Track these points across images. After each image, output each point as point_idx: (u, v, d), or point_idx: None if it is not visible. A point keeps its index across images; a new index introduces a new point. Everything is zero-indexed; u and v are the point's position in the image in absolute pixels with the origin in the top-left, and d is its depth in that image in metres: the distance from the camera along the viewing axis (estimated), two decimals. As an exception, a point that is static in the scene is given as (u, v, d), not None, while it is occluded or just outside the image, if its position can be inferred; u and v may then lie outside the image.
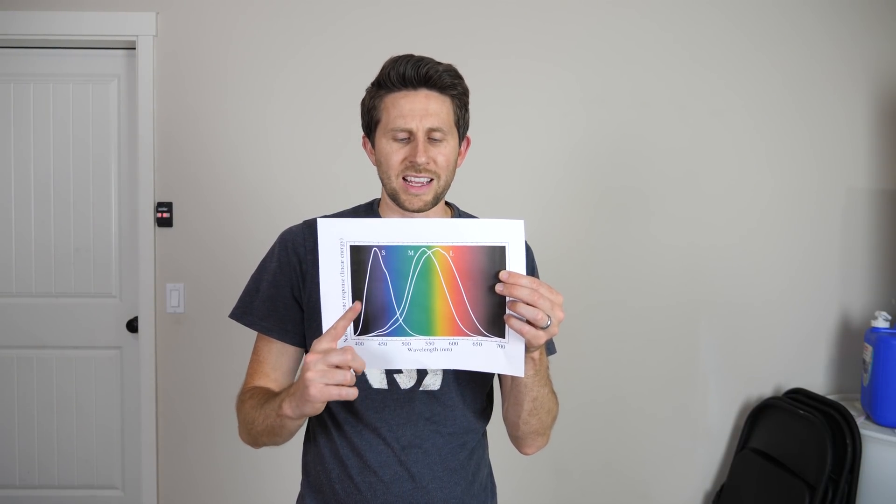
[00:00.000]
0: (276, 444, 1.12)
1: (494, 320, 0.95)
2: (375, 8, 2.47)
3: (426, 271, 0.94)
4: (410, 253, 0.94)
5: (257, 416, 1.09)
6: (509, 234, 0.93)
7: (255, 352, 1.20)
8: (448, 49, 2.42)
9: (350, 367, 0.92)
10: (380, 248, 0.95)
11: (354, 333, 0.98)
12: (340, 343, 0.98)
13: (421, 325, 0.97)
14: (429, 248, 0.94)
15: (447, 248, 0.93)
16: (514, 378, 1.06)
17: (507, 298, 0.93)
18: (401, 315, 0.96)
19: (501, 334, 0.96)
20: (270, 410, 1.05)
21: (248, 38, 2.47)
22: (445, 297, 0.95)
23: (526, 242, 1.26)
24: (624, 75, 2.50)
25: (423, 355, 0.98)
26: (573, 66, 2.49)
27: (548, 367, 1.10)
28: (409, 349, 0.98)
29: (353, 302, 0.96)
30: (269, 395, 1.10)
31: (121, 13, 2.45)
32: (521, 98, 2.49)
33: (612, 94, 2.50)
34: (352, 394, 0.92)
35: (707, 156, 2.52)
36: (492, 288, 0.93)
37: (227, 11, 2.47)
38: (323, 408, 0.96)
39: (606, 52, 2.50)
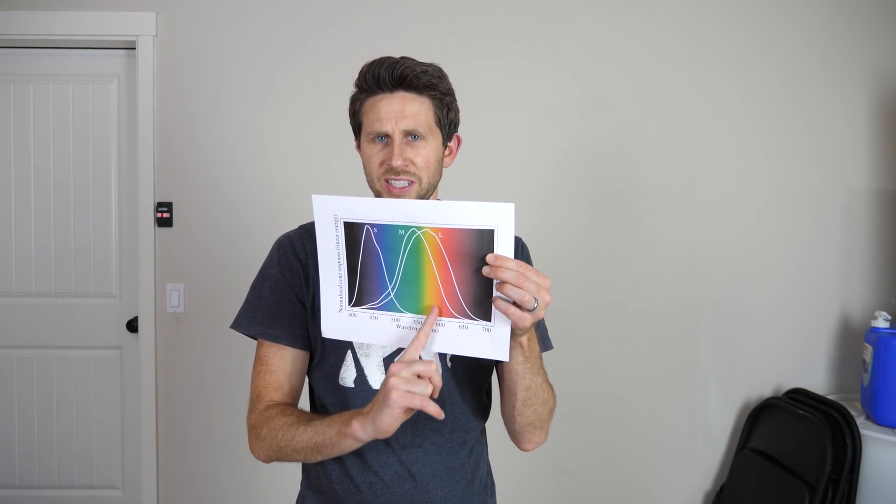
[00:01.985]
0: (307, 461, 1.08)
1: (481, 303, 0.95)
2: (375, 9, 2.47)
3: (416, 251, 0.96)
4: (401, 232, 0.96)
5: (298, 433, 1.04)
6: (499, 218, 0.93)
7: (263, 362, 1.15)
8: (447, 49, 2.43)
9: (431, 379, 0.93)
10: (372, 226, 0.97)
11: (349, 304, 1.01)
12: (335, 311, 1.01)
13: (411, 301, 0.99)
14: (418, 228, 0.95)
15: (436, 230, 0.94)
16: (506, 367, 1.05)
17: (495, 281, 0.93)
18: (392, 290, 0.99)
19: (487, 317, 0.96)
20: (327, 428, 1.01)
21: (249, 38, 2.47)
22: (434, 277, 0.96)
23: (521, 239, 1.26)
24: (623, 75, 2.50)
25: (410, 334, 0.99)
26: (572, 66, 2.49)
27: (540, 357, 1.09)
28: (398, 325, 1.00)
29: (347, 272, 1.00)
30: (307, 415, 1.08)
31: (121, 13, 2.45)
32: (521, 98, 2.49)
33: (612, 95, 2.50)
34: (432, 408, 0.92)
35: (706, 155, 2.52)
36: (479, 271, 0.94)
37: (227, 11, 2.47)
38: (397, 427, 0.94)
39: (605, 53, 2.50)
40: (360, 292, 1.01)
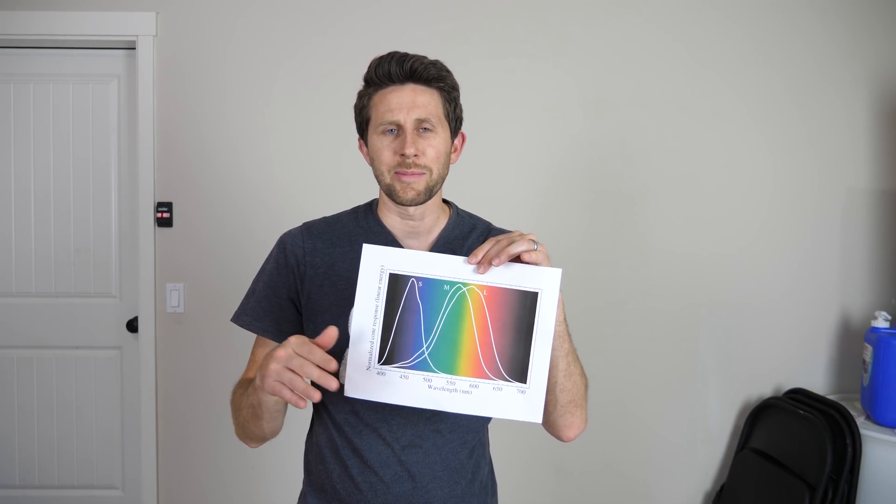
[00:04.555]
0: (263, 430, 1.11)
1: (518, 365, 0.97)
2: (376, 9, 2.47)
3: (458, 308, 0.97)
4: (446, 288, 0.97)
5: (242, 402, 1.11)
6: (545, 281, 0.96)
7: (253, 352, 1.22)
8: (448, 49, 2.41)
9: (302, 376, 0.92)
10: (417, 279, 0.98)
11: (378, 362, 0.99)
12: (362, 369, 0.99)
13: (445, 361, 0.98)
14: (464, 284, 0.97)
15: (482, 287, 0.97)
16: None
17: (533, 342, 0.96)
18: (427, 349, 0.98)
19: (523, 380, 0.98)
20: (250, 390, 1.07)
21: (249, 37, 2.47)
22: (473, 335, 0.98)
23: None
24: (623, 76, 2.50)
25: (442, 395, 0.98)
26: (572, 66, 2.49)
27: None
28: (430, 386, 0.98)
29: (382, 328, 0.98)
30: (251, 381, 1.12)
31: (121, 13, 2.45)
32: (521, 98, 2.49)
33: (612, 95, 2.50)
34: (298, 401, 0.92)
35: (707, 156, 2.52)
36: (519, 332, 0.97)
37: (227, 11, 2.47)
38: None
39: (606, 53, 2.50)
40: (393, 350, 0.99)
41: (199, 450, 2.52)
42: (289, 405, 1.16)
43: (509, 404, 0.98)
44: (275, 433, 1.15)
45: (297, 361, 0.91)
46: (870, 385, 2.24)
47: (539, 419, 0.98)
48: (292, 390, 0.92)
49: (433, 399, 0.99)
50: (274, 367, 0.92)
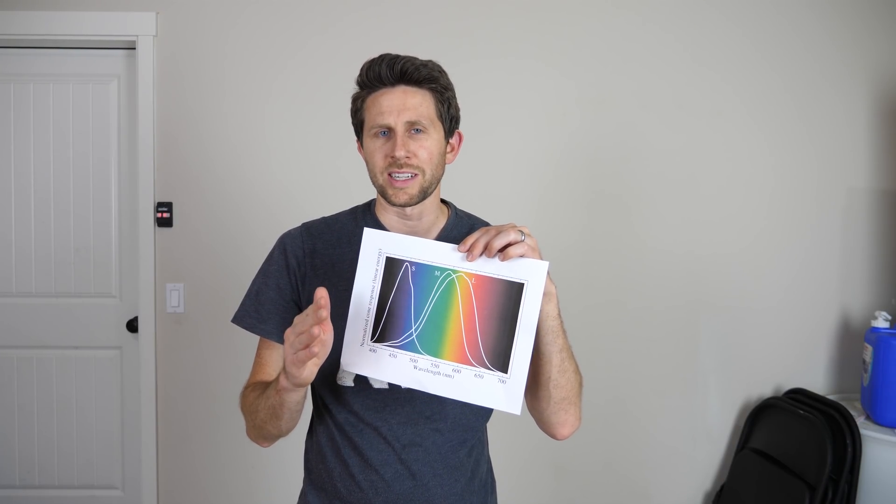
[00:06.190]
0: (280, 429, 1.12)
1: (500, 354, 1.00)
2: (375, 9, 2.47)
3: (447, 293, 1.01)
4: (437, 273, 1.02)
5: (260, 403, 1.11)
6: (531, 273, 0.98)
7: (258, 354, 1.22)
8: (447, 49, 2.43)
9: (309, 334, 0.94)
10: (411, 263, 1.02)
11: (371, 340, 1.04)
12: (357, 344, 1.05)
13: (431, 344, 1.02)
14: (454, 271, 1.01)
15: (471, 275, 1.00)
16: (543, 330, 1.04)
17: (516, 333, 0.98)
18: (415, 331, 1.02)
19: (504, 369, 1.00)
20: (271, 391, 1.08)
21: (249, 37, 2.47)
22: (459, 321, 1.01)
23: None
24: (623, 76, 2.50)
25: (425, 376, 1.02)
26: (572, 66, 2.50)
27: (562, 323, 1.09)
28: (415, 367, 1.03)
29: (377, 308, 1.04)
30: (268, 383, 1.13)
31: (121, 13, 2.45)
32: (520, 98, 2.49)
33: (612, 95, 2.50)
34: (316, 349, 0.93)
35: (706, 156, 2.52)
36: (503, 321, 0.99)
37: (227, 11, 2.47)
38: (312, 377, 0.98)
39: (605, 53, 2.50)
40: (385, 329, 1.04)
41: (199, 450, 2.52)
42: (306, 404, 1.17)
43: (489, 392, 1.00)
44: (290, 430, 1.15)
45: (297, 339, 0.95)
46: (870, 385, 2.24)
47: (517, 411, 1.00)
48: (308, 347, 0.94)
49: (417, 379, 1.03)
50: (289, 354, 0.96)
